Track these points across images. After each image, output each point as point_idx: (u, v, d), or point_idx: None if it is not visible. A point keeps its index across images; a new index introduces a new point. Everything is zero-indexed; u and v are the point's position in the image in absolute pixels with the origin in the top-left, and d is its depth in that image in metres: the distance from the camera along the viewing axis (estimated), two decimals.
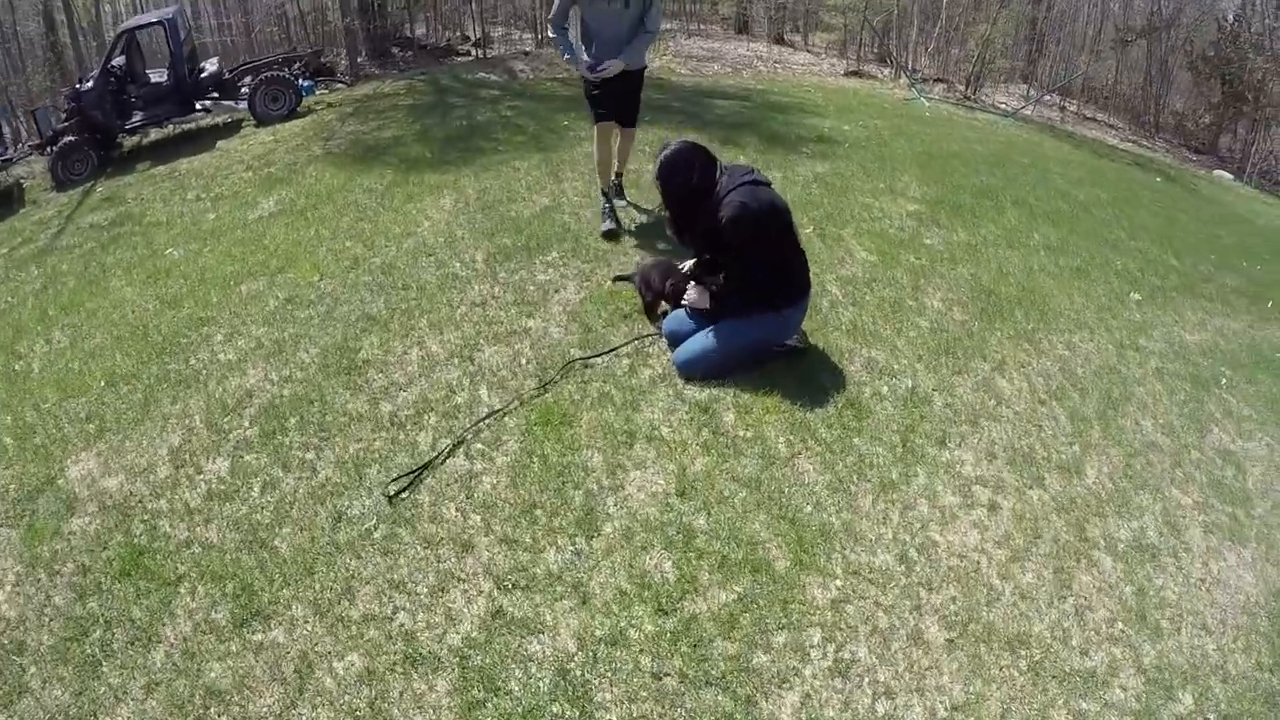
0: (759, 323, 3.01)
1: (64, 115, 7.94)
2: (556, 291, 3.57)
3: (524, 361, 3.12)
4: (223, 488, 2.63)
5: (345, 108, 8.03)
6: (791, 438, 2.75)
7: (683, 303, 3.18)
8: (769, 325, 3.04)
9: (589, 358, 3.11)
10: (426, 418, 2.85)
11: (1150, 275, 4.95)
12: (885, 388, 3.09)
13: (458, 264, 3.81)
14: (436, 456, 2.66)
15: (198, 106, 8.49)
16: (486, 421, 2.79)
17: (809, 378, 3.08)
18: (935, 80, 12.30)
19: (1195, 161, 12.31)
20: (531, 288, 3.59)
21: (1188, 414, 3.38)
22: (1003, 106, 11.87)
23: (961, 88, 12.23)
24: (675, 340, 3.17)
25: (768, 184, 2.91)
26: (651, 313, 3.38)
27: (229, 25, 12.94)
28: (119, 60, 8.03)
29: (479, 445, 2.71)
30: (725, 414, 2.85)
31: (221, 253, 4.40)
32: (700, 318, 3.13)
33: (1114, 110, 13.99)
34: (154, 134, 8.54)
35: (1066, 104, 13.18)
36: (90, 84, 7.77)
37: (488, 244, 4.00)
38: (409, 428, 2.81)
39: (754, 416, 2.83)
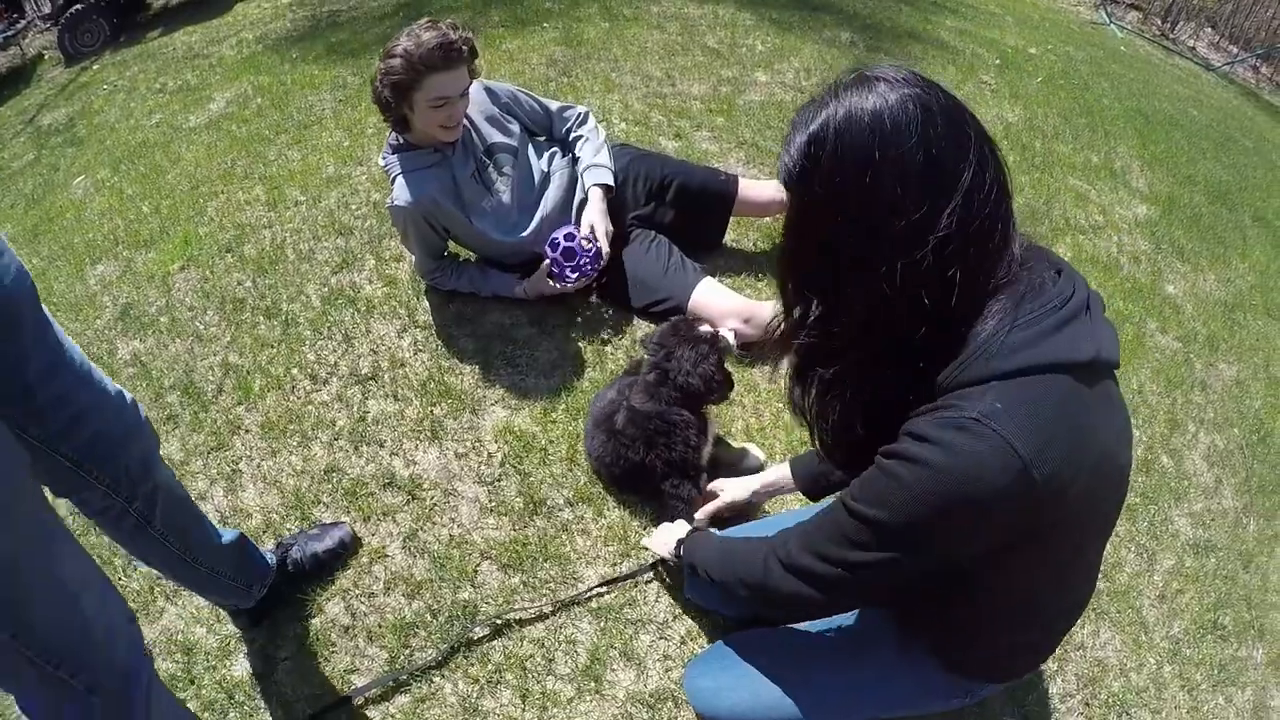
0: (918, 689, 1.31)
1: None
2: (515, 356, 2.11)
3: (388, 600, 1.73)
4: None
5: None
6: None
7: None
8: (935, 703, 1.34)
9: (504, 618, 1.65)
10: None
11: None
12: None
13: (370, 264, 2.42)
14: None
15: None
16: None
17: None
18: (1129, 6, 9.74)
19: None
20: (470, 346, 2.15)
21: None
22: (1198, 52, 9.31)
23: (1159, 20, 9.66)
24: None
25: (1107, 364, 0.96)
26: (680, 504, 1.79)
27: None
28: None
29: None
30: None
31: (117, 194, 3.25)
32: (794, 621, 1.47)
33: None
34: None
35: (1260, 66, 10.33)
36: None
37: None
38: None
39: None
